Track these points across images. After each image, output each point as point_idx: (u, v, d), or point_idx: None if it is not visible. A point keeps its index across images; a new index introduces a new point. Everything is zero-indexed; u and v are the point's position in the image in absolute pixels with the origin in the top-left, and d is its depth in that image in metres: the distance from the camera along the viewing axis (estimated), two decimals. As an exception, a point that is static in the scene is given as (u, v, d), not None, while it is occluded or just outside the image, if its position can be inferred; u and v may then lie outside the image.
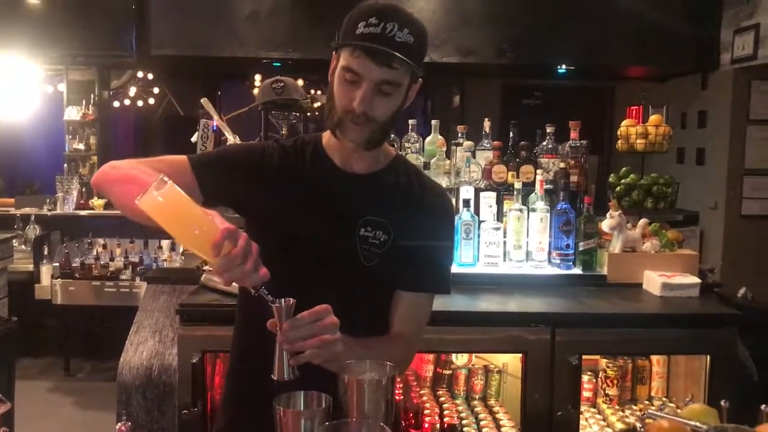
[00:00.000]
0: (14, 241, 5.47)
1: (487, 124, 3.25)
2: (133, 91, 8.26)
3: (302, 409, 1.27)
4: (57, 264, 5.30)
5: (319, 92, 9.27)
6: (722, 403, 1.31)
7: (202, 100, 3.02)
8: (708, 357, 2.54)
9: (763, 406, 1.26)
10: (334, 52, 1.51)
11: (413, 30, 1.43)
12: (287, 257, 1.56)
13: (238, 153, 1.68)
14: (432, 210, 1.62)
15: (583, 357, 2.53)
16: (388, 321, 1.61)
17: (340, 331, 1.37)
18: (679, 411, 1.43)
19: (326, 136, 1.62)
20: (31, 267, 5.46)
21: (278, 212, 1.57)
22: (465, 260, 2.88)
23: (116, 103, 8.02)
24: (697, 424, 1.17)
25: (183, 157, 1.59)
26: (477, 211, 2.92)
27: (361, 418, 1.24)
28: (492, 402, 2.88)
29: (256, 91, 6.07)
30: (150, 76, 8.21)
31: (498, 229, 2.88)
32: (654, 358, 2.86)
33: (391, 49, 1.40)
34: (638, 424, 1.31)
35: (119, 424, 1.28)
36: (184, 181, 1.50)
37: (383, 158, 1.62)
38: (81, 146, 7.27)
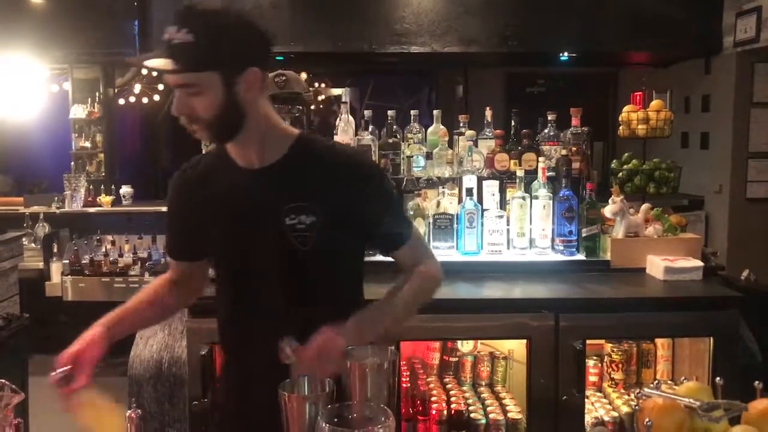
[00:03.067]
0: (24, 239, 5.49)
1: (488, 112, 3.26)
2: (137, 88, 8.26)
3: (306, 393, 1.31)
4: (67, 261, 5.34)
5: (322, 85, 9.27)
6: (717, 380, 1.33)
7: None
8: (711, 339, 2.56)
9: (756, 383, 1.28)
10: None
11: (193, 27, 1.41)
12: (230, 265, 1.64)
13: (170, 211, 1.74)
14: (351, 173, 1.58)
15: (589, 342, 2.56)
16: (344, 295, 1.64)
17: (302, 320, 1.45)
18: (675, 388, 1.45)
19: None
20: (41, 264, 5.51)
21: (209, 228, 1.62)
22: (469, 248, 2.90)
23: (121, 101, 8.02)
24: (691, 400, 1.19)
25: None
26: (480, 200, 2.94)
27: (364, 401, 1.27)
28: (498, 388, 2.91)
29: (259, 85, 6.07)
30: (154, 73, 8.20)
31: (501, 217, 2.90)
32: (659, 341, 2.88)
33: (168, 55, 1.41)
34: (634, 403, 1.34)
35: (129, 411, 1.31)
36: (180, 270, 1.78)
37: (283, 144, 1.59)
38: (87, 144, 7.30)
